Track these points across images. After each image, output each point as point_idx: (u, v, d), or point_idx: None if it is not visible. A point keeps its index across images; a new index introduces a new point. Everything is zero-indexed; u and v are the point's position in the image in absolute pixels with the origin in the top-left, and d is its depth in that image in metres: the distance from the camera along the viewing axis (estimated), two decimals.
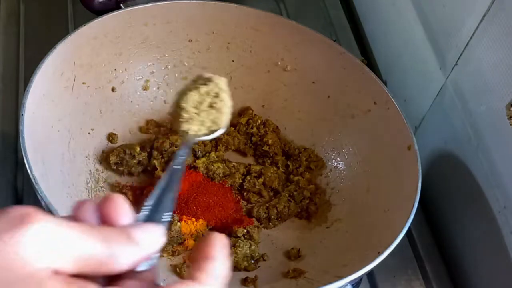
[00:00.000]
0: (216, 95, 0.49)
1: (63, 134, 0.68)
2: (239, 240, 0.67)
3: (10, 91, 0.83)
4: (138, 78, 0.77)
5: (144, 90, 0.78)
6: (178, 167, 0.41)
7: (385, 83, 0.85)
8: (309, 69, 0.78)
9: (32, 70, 0.64)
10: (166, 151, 0.73)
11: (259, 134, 0.77)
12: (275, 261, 0.68)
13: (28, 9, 0.93)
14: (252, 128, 0.78)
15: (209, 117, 0.49)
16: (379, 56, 0.94)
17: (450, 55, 0.73)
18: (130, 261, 0.32)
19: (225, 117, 0.49)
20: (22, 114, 0.61)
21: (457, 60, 0.72)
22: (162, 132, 0.76)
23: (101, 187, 0.70)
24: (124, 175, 0.72)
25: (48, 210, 0.56)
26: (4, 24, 0.91)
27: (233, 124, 0.78)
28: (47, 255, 0.29)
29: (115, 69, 0.75)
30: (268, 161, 0.76)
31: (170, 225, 0.65)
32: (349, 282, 0.57)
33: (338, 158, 0.76)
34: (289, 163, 0.76)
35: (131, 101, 0.77)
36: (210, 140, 0.76)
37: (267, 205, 0.72)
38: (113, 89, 0.75)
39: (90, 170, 0.70)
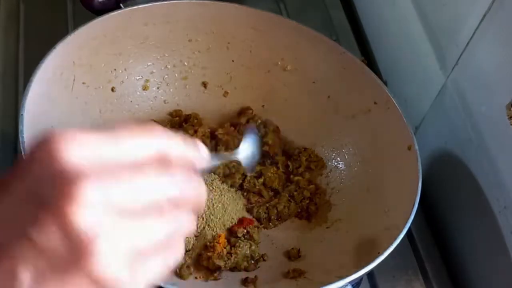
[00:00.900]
0: None
1: None
2: (239, 240, 0.67)
3: (10, 91, 0.83)
4: (138, 78, 0.77)
5: (144, 90, 0.78)
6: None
7: (385, 83, 0.85)
8: (309, 69, 0.78)
9: (32, 70, 0.64)
10: None
11: (259, 134, 0.77)
12: (275, 261, 0.68)
13: (28, 9, 0.93)
14: None
15: None
16: (379, 56, 0.94)
17: (451, 55, 0.73)
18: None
19: None
20: (22, 114, 0.61)
21: (458, 60, 0.72)
22: None
23: None
24: None
25: None
26: (4, 24, 0.91)
27: (233, 124, 0.78)
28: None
29: (115, 69, 0.75)
30: (268, 161, 0.76)
31: None
32: (349, 282, 0.57)
33: (338, 158, 0.76)
34: (289, 163, 0.76)
35: (131, 101, 0.77)
36: (210, 140, 0.76)
37: (267, 205, 0.71)
38: (113, 89, 0.75)
39: None
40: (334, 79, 0.76)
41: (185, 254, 0.66)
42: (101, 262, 0.28)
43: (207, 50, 0.79)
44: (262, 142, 0.76)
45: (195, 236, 0.67)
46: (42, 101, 0.65)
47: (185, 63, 0.79)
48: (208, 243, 0.66)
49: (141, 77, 0.77)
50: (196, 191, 0.33)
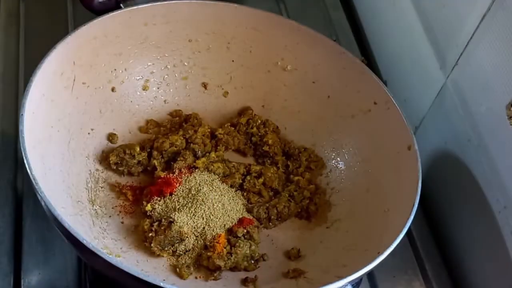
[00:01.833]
0: None
1: (63, 134, 0.68)
2: (239, 240, 0.67)
3: (10, 91, 0.83)
4: (138, 78, 0.77)
5: (144, 90, 0.78)
6: None
7: (385, 83, 0.85)
8: (309, 69, 0.78)
9: (32, 70, 0.64)
10: (166, 151, 0.73)
11: (259, 134, 0.77)
12: (275, 261, 0.68)
13: (28, 9, 0.93)
14: (252, 128, 0.78)
15: None
16: (379, 56, 0.94)
17: (450, 55, 0.73)
18: None
19: None
20: (22, 114, 0.61)
21: (457, 60, 0.72)
22: (162, 132, 0.76)
23: (101, 187, 0.70)
24: (124, 175, 0.72)
25: (48, 210, 0.56)
26: (4, 24, 0.91)
27: (233, 124, 0.78)
28: None
29: (115, 69, 0.75)
30: (268, 161, 0.76)
31: (170, 224, 0.65)
32: (349, 282, 0.57)
33: (338, 158, 0.76)
34: (289, 163, 0.76)
35: (131, 101, 0.77)
36: (210, 140, 0.76)
37: (267, 205, 0.72)
38: (113, 89, 0.75)
39: (90, 170, 0.70)
40: (334, 79, 0.76)
41: (185, 254, 0.66)
42: None
43: (207, 50, 0.79)
44: (262, 142, 0.77)
45: (195, 236, 0.67)
46: (42, 101, 0.65)
47: (185, 63, 0.79)
48: (208, 243, 0.66)
49: (141, 77, 0.77)
50: None
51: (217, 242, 0.66)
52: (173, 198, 0.68)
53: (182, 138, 0.74)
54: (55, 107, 0.67)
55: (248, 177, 0.73)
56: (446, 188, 0.77)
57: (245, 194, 0.73)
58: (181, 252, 0.66)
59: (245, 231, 0.68)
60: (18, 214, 0.72)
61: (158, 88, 0.79)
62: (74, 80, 0.70)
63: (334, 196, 0.74)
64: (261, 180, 0.73)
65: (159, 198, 0.68)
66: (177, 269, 0.65)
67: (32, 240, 0.70)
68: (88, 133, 0.72)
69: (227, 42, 0.79)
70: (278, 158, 0.76)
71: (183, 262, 0.65)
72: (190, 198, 0.68)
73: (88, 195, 0.68)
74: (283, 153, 0.77)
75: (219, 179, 0.72)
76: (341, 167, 0.75)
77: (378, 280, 0.73)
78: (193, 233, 0.67)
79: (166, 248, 0.65)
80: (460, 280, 0.74)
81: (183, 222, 0.66)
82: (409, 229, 0.62)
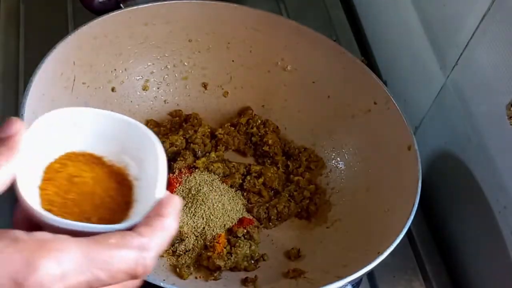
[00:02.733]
0: None
1: None
2: (239, 240, 0.67)
3: (10, 91, 0.83)
4: (138, 78, 0.77)
5: (144, 90, 0.78)
6: None
7: (385, 83, 0.85)
8: (309, 69, 0.78)
9: (32, 70, 0.64)
10: (166, 151, 0.73)
11: (259, 134, 0.77)
12: (275, 261, 0.68)
13: (28, 9, 0.93)
14: (252, 128, 0.78)
15: None
16: (379, 56, 0.94)
17: (450, 55, 0.73)
18: None
19: None
20: (22, 114, 0.61)
21: (457, 60, 0.72)
22: (162, 132, 0.76)
23: None
24: None
25: None
26: (4, 24, 0.91)
27: (233, 124, 0.78)
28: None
29: (115, 69, 0.75)
30: (268, 161, 0.76)
31: None
32: (349, 282, 0.57)
33: (338, 158, 0.76)
34: (289, 163, 0.76)
35: (131, 101, 0.77)
36: (210, 140, 0.76)
37: (267, 205, 0.72)
38: (113, 89, 0.75)
39: None
40: (334, 79, 0.76)
41: (185, 254, 0.66)
42: None
43: (207, 50, 0.79)
44: (262, 142, 0.77)
45: (195, 236, 0.67)
46: (42, 101, 0.65)
47: (185, 63, 0.79)
48: (208, 243, 0.66)
49: (141, 77, 0.77)
50: None
51: (217, 242, 0.66)
52: None
53: (182, 138, 0.74)
54: (55, 107, 0.67)
55: (248, 177, 0.73)
56: (446, 188, 0.77)
57: (245, 194, 0.73)
58: (181, 252, 0.66)
59: (245, 231, 0.68)
60: None
61: (158, 88, 0.79)
62: (74, 80, 0.70)
63: (334, 196, 0.74)
64: (261, 180, 0.73)
65: None
66: (177, 269, 0.65)
67: None
68: None
69: (227, 42, 0.79)
70: (278, 158, 0.76)
71: (183, 262, 0.65)
72: (190, 198, 0.68)
73: None
74: (283, 153, 0.77)
75: (219, 179, 0.72)
76: (341, 167, 0.75)
77: (378, 280, 0.73)
78: (193, 233, 0.67)
79: (166, 248, 0.65)
80: (460, 280, 0.74)
81: (183, 222, 0.66)
82: (409, 229, 0.62)
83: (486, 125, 0.68)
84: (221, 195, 0.70)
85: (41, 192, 0.40)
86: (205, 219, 0.67)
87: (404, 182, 0.67)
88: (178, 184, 0.70)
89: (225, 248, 0.66)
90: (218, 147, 0.76)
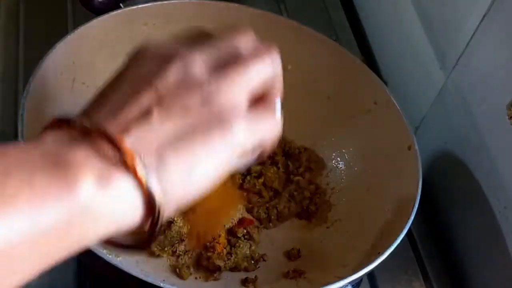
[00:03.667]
0: None
1: None
2: (239, 241, 0.67)
3: (10, 91, 0.83)
4: None
5: None
6: None
7: (385, 83, 0.85)
8: (309, 69, 0.78)
9: (32, 70, 0.64)
10: None
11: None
12: (275, 261, 0.68)
13: (28, 9, 0.93)
14: None
15: None
16: (379, 56, 0.94)
17: (451, 55, 0.73)
18: None
19: None
20: (22, 114, 0.61)
21: (458, 60, 0.72)
22: None
23: None
24: None
25: None
26: (4, 24, 0.91)
27: None
28: None
29: (115, 69, 0.75)
30: (268, 161, 0.76)
31: (170, 225, 0.65)
32: (349, 282, 0.57)
33: (338, 158, 0.76)
34: (289, 163, 0.76)
35: None
36: None
37: (267, 205, 0.71)
38: None
39: None
40: (334, 79, 0.76)
41: (185, 254, 0.66)
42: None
43: None
44: None
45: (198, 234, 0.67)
46: (42, 101, 0.65)
47: None
48: (208, 243, 0.66)
49: None
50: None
51: (217, 242, 0.66)
52: None
53: None
54: (55, 107, 0.67)
55: (248, 177, 0.73)
56: (446, 188, 0.77)
57: (245, 194, 0.73)
58: (181, 252, 0.66)
59: (245, 231, 0.68)
60: None
61: None
62: (74, 80, 0.70)
63: (334, 196, 0.74)
64: (261, 180, 0.73)
65: None
66: (177, 269, 0.65)
67: None
68: None
69: None
70: (278, 158, 0.76)
71: (183, 262, 0.65)
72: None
73: None
74: (283, 153, 0.77)
75: None
76: (341, 167, 0.75)
77: (378, 280, 0.73)
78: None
79: (166, 248, 0.65)
80: (460, 280, 0.74)
81: (183, 222, 0.66)
82: (409, 229, 0.62)
83: (486, 125, 0.68)
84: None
85: None
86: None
87: (404, 182, 0.66)
88: None
89: (225, 248, 0.66)
90: None
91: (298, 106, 0.79)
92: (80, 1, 0.79)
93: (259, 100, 0.40)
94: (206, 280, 0.65)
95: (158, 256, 0.65)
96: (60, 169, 0.32)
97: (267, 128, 0.40)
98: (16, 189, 0.30)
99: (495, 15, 0.65)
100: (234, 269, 0.66)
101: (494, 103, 0.65)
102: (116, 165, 0.33)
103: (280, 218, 0.71)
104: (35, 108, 0.63)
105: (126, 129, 0.34)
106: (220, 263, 0.65)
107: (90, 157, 0.33)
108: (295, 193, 0.73)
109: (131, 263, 0.63)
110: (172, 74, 0.37)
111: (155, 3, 0.75)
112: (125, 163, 0.33)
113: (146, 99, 0.36)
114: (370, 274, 0.73)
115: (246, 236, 0.68)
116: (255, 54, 0.41)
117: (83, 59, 0.71)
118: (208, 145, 0.36)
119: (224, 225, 0.68)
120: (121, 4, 0.77)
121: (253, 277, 0.65)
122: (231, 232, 0.68)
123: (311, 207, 0.72)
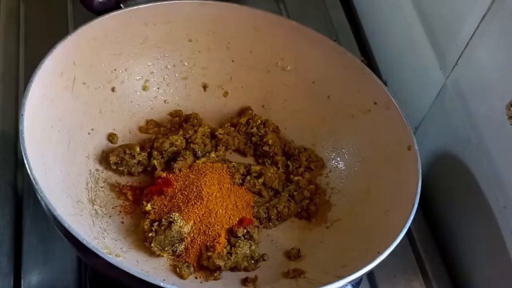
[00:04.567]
0: None
1: (63, 134, 0.68)
2: (239, 240, 0.67)
3: (10, 91, 0.83)
4: (138, 78, 0.77)
5: (144, 90, 0.78)
6: None
7: (385, 83, 0.85)
8: (309, 69, 0.78)
9: (32, 70, 0.64)
10: (166, 151, 0.73)
11: (259, 134, 0.77)
12: (275, 261, 0.68)
13: (28, 9, 0.93)
14: (252, 128, 0.78)
15: None
16: (379, 56, 0.94)
17: (450, 55, 0.73)
18: None
19: None
20: (22, 114, 0.61)
21: (457, 60, 0.72)
22: (162, 132, 0.76)
23: (101, 187, 0.70)
24: (124, 175, 0.72)
25: (48, 210, 0.56)
26: (4, 24, 0.91)
27: (233, 124, 0.78)
28: None
29: (115, 69, 0.75)
30: (268, 161, 0.76)
31: (170, 224, 0.65)
32: (349, 282, 0.57)
33: (338, 158, 0.76)
34: (289, 163, 0.76)
35: (131, 101, 0.77)
36: (210, 140, 0.76)
37: (267, 205, 0.72)
38: (113, 89, 0.75)
39: (90, 170, 0.70)
40: (334, 79, 0.76)
41: (185, 254, 0.66)
42: None
43: (207, 50, 0.79)
44: (262, 142, 0.77)
45: (196, 236, 0.67)
46: (42, 101, 0.65)
47: (185, 63, 0.79)
48: (208, 243, 0.66)
49: (141, 77, 0.77)
50: None
51: (217, 242, 0.66)
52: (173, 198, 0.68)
53: (182, 138, 0.74)
54: (55, 107, 0.67)
55: (248, 177, 0.73)
56: (446, 188, 0.77)
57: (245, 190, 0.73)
58: (181, 252, 0.66)
59: (245, 231, 0.68)
60: (18, 214, 0.72)
61: (158, 88, 0.79)
62: (74, 80, 0.70)
63: (334, 196, 0.74)
64: (261, 180, 0.73)
65: (159, 198, 0.68)
66: (177, 269, 0.65)
67: (32, 240, 0.70)
68: (88, 133, 0.72)
69: (227, 42, 0.79)
70: (278, 158, 0.76)
71: (183, 262, 0.65)
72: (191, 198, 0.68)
73: (88, 195, 0.68)
74: (283, 153, 0.77)
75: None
76: (341, 167, 0.75)
77: (378, 280, 0.73)
78: (194, 233, 0.67)
79: (166, 248, 0.65)
80: (460, 280, 0.74)
81: (183, 222, 0.66)
82: (409, 229, 0.62)
83: (486, 125, 0.68)
84: None
85: None
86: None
87: (404, 182, 0.67)
88: (178, 184, 0.70)
89: (225, 248, 0.66)
90: (218, 147, 0.76)
91: (298, 106, 0.79)
92: (80, 1, 0.79)
93: None
94: (206, 279, 0.65)
95: (158, 256, 0.65)
96: None
97: None
98: None
99: (494, 15, 0.65)
100: (234, 268, 0.66)
101: (494, 103, 0.65)
102: None
103: (280, 218, 0.72)
104: (35, 108, 0.63)
105: None
106: (220, 262, 0.65)
107: None
108: (295, 193, 0.73)
109: (131, 263, 0.63)
110: None
111: (155, 3, 0.75)
112: None
113: None
114: (370, 274, 0.73)
115: (246, 236, 0.68)
116: None
117: (83, 59, 0.71)
118: None
119: (224, 225, 0.68)
120: (121, 4, 0.77)
121: (253, 277, 0.65)
122: (231, 232, 0.68)
123: (311, 207, 0.72)
